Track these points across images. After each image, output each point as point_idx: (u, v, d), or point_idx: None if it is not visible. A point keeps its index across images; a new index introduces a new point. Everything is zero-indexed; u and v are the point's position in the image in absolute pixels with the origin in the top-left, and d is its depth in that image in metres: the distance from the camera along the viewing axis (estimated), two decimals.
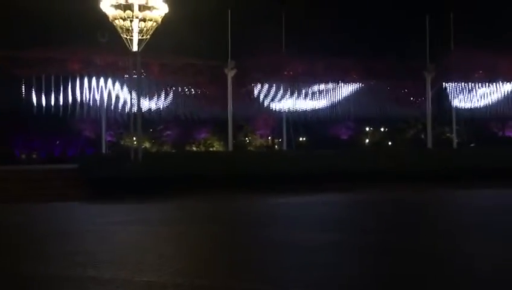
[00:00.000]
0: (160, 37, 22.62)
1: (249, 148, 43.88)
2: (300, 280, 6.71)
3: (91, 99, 28.30)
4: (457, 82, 31.94)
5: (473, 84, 32.43)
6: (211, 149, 43.86)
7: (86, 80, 27.64)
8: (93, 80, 27.68)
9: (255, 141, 43.84)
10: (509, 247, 8.97)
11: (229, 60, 27.87)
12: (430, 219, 13.18)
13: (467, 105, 32.78)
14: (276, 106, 32.04)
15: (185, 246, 9.69)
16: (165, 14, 21.33)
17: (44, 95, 27.24)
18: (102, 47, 25.92)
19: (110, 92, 28.17)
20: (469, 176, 22.44)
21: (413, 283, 6.67)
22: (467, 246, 9.10)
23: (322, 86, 32.14)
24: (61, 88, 27.54)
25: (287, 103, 31.79)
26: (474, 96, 32.79)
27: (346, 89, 32.27)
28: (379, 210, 15.09)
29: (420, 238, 9.93)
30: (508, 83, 32.36)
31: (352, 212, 14.60)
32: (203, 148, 43.84)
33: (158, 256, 8.42)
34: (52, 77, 27.27)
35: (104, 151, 30.75)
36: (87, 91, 27.95)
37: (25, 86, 26.72)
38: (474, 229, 11.16)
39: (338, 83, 32.10)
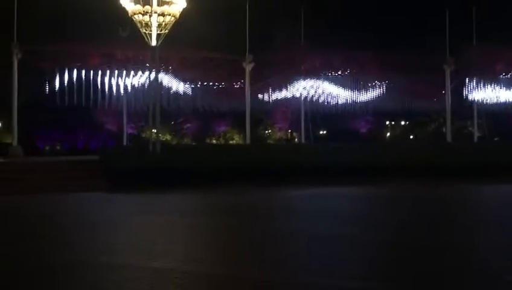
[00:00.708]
0: (179, 31, 22.95)
1: (268, 141, 44.13)
2: (308, 269, 6.95)
3: (113, 93, 28.93)
4: (478, 76, 31.56)
5: (494, 78, 32.01)
6: (231, 142, 44.28)
7: (107, 74, 28.25)
8: (115, 73, 28.28)
9: (274, 134, 44.07)
10: None
11: (247, 53, 28.11)
12: (441, 214, 13.20)
13: (488, 99, 32.39)
14: (294, 99, 32.19)
15: (197, 236, 10.02)
16: (184, 8, 21.63)
17: (67, 89, 27.93)
18: (123, 41, 26.43)
19: (131, 85, 28.75)
20: (489, 171, 22.22)
21: (417, 276, 6.83)
22: (477, 242, 9.21)
23: (341, 80, 32.15)
24: (84, 82, 28.21)
25: (305, 96, 31.91)
26: (496, 90, 32.36)
27: (364, 83, 32.20)
28: (393, 205, 15.17)
29: (431, 234, 10.04)
30: None
31: (366, 206, 14.72)
32: (222, 141, 44.28)
33: (170, 245, 8.77)
34: (75, 71, 27.94)
35: (125, 143, 31.41)
36: (109, 84, 28.58)
37: (48, 79, 27.42)
38: (486, 226, 11.20)
39: (357, 76, 32.05)
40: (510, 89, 32.30)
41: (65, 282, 6.42)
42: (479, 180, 20.26)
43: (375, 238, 9.34)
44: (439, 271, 6.89)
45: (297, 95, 31.78)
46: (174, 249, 8.35)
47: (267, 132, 45.32)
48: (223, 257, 8.03)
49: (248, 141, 30.30)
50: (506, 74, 32.10)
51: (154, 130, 24.28)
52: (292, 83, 31.25)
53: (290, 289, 6.09)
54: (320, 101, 32.21)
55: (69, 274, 6.79)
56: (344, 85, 32.24)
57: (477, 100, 32.38)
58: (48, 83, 27.51)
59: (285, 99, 32.41)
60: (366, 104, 32.85)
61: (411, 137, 49.61)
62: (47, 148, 40.91)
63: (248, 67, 28.34)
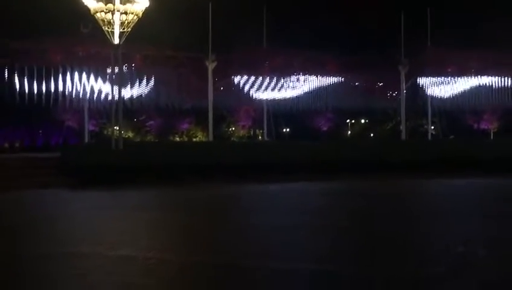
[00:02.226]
0: (142, 30, 23.13)
1: (231, 138, 44.60)
2: (262, 254, 7.56)
3: (74, 90, 28.79)
4: (432, 76, 33.05)
5: (447, 78, 33.56)
6: (194, 139, 44.49)
7: (68, 71, 28.11)
8: (76, 70, 28.16)
9: (237, 131, 44.56)
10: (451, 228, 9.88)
11: (210, 52, 28.53)
12: (390, 205, 14.10)
13: (442, 98, 33.95)
14: (256, 97, 32.86)
15: (158, 228, 10.50)
16: (147, 7, 21.85)
17: (27, 85, 27.64)
18: (84, 38, 26.36)
19: (92, 82, 28.70)
20: (438, 167, 23.45)
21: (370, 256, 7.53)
22: (420, 229, 10.08)
23: (302, 79, 33.05)
24: (44, 78, 27.97)
25: (268, 95, 32.63)
26: (449, 90, 33.94)
27: (325, 82, 33.21)
28: (344, 198, 16.09)
29: (380, 223, 10.84)
30: (482, 77, 33.52)
31: (319, 200, 15.47)
32: (186, 139, 44.44)
33: (132, 236, 9.22)
34: (35, 67, 27.67)
35: (86, 140, 31.27)
36: (70, 81, 28.44)
37: (7, 75, 27.06)
38: (428, 215, 12.13)
39: (317, 76, 33.02)
40: (462, 89, 33.94)
41: (32, 272, 6.77)
42: (427, 175, 21.45)
43: (325, 227, 10.08)
44: (390, 251, 7.63)
45: (260, 93, 32.48)
46: (135, 239, 8.80)
47: (230, 129, 45.78)
48: (183, 245, 8.56)
49: (211, 138, 30.74)
50: (458, 75, 33.71)
51: (117, 127, 24.40)
52: (255, 82, 31.92)
53: (243, 271, 6.65)
54: (282, 99, 33.03)
55: (35, 265, 7.15)
56: (305, 84, 33.16)
57: (431, 99, 33.92)
58: (7, 80, 27.16)
59: (248, 98, 33.07)
60: (326, 103, 33.90)
61: (371, 135, 51.14)
62: (6, 145, 40.06)
63: (211, 66, 28.77)
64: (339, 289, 5.91)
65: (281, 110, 34.05)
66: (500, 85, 33.23)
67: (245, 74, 31.72)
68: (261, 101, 33.05)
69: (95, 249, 7.83)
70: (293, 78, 32.92)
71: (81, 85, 28.70)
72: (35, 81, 27.84)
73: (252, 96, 32.81)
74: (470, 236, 8.87)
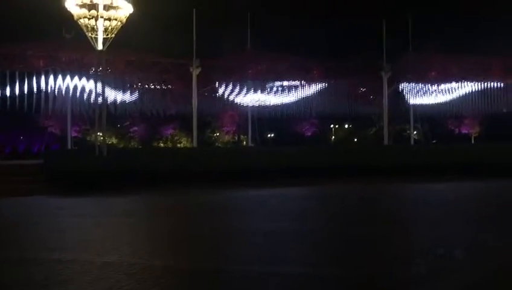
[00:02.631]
0: (126, 36, 23.11)
1: (216, 144, 44.61)
2: (246, 257, 7.64)
3: (56, 96, 28.59)
4: (414, 82, 33.57)
5: (429, 84, 34.11)
6: (179, 145, 44.39)
7: (51, 76, 27.90)
8: (59, 76, 27.96)
9: (222, 137, 44.57)
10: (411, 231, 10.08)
11: (194, 58, 28.60)
12: (361, 209, 14.32)
13: (424, 103, 34.49)
14: (241, 103, 33.00)
15: (143, 234, 10.51)
16: (131, 13, 21.84)
17: (9, 91, 27.36)
18: (67, 44, 26.23)
19: (75, 88, 28.52)
20: (421, 171, 23.82)
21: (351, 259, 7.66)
22: (400, 231, 10.26)
23: (286, 84, 33.29)
24: (26, 84, 27.72)
25: (252, 101, 32.79)
26: (431, 96, 34.50)
27: (309, 87, 33.49)
28: (327, 202, 16.31)
29: (351, 226, 11.00)
30: (463, 83, 34.14)
31: (302, 204, 15.61)
32: (170, 144, 44.31)
33: (117, 242, 9.21)
34: (17, 73, 27.42)
35: (69, 147, 31.04)
36: (53, 87, 28.22)
37: None
38: (407, 220, 12.33)
39: (301, 82, 33.29)
40: (444, 94, 34.52)
41: (17, 277, 6.75)
42: (408, 180, 21.77)
43: (309, 232, 10.21)
44: (370, 253, 7.76)
45: (244, 99, 32.63)
46: (120, 245, 8.79)
47: (214, 135, 45.78)
48: (167, 251, 8.59)
49: (195, 144, 30.75)
50: (439, 80, 34.28)
51: (100, 134, 24.27)
52: (239, 87, 32.05)
53: (226, 276, 6.71)
54: (266, 105, 33.22)
55: (19, 270, 7.12)
56: (289, 89, 33.41)
57: (413, 105, 34.43)
58: None
59: (232, 103, 33.19)
60: (310, 108, 34.18)
61: (355, 140, 51.61)
62: None
63: (195, 72, 28.83)
64: None
65: (265, 116, 34.24)
66: (480, 90, 33.86)
67: (229, 80, 31.85)
68: (245, 106, 33.20)
69: (80, 256, 7.82)
70: (277, 83, 33.14)
71: (64, 91, 28.50)
72: (17, 87, 27.57)
73: (236, 101, 32.94)
74: (450, 239, 9.04)
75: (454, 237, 9.19)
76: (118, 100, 29.56)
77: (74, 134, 35.08)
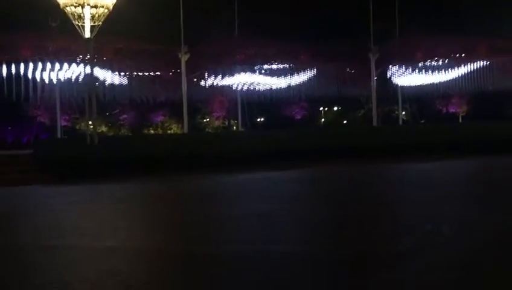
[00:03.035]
0: (114, 23, 22.99)
1: (206, 129, 44.73)
2: (238, 239, 7.89)
3: (45, 85, 28.44)
4: (401, 63, 33.81)
5: (416, 64, 34.37)
6: (169, 132, 44.45)
7: (39, 66, 27.71)
8: (46, 65, 27.78)
9: (212, 122, 44.68)
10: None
11: (182, 44, 28.52)
12: (351, 190, 14.65)
13: (412, 84, 34.80)
14: (230, 87, 33.06)
15: (137, 220, 10.73)
16: (117, 0, 21.72)
17: None
18: (54, 32, 26.02)
19: (64, 77, 28.38)
20: (410, 151, 24.20)
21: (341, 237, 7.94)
22: (387, 211, 10.58)
23: (274, 69, 33.37)
24: (13, 74, 27.51)
25: (241, 85, 32.87)
26: (418, 76, 34.79)
27: (297, 71, 33.61)
28: (317, 185, 16.69)
29: (340, 206, 11.31)
30: (450, 62, 34.44)
31: (291, 187, 15.89)
32: (160, 131, 44.36)
33: (113, 227, 9.42)
34: (4, 63, 27.18)
35: (59, 136, 30.98)
36: (40, 77, 28.05)
37: None
38: (396, 200, 12.66)
39: (290, 66, 33.39)
40: (431, 74, 34.82)
41: (17, 263, 6.93)
42: (397, 160, 22.16)
43: (300, 213, 10.50)
44: (358, 232, 8.05)
45: (233, 84, 32.69)
46: (116, 231, 9.00)
47: (204, 120, 45.87)
48: (163, 235, 8.83)
49: (186, 130, 30.84)
50: (426, 61, 34.54)
51: (90, 122, 24.27)
52: (228, 72, 32.08)
53: (219, 257, 6.96)
54: (255, 89, 33.33)
55: (19, 256, 7.30)
56: (278, 74, 33.51)
57: (401, 86, 34.74)
58: None
59: (222, 88, 33.25)
60: (299, 91, 34.35)
61: (344, 122, 51.99)
62: None
63: (184, 58, 28.78)
64: (310, 268, 6.25)
65: (255, 100, 34.35)
66: (467, 69, 34.19)
67: (218, 65, 31.85)
68: (234, 91, 33.28)
69: (79, 241, 8.03)
70: (266, 67, 33.21)
71: (52, 80, 28.36)
72: (4, 77, 27.38)
73: (226, 86, 33.00)
74: (437, 216, 9.36)
75: (441, 215, 9.50)
76: (107, 88, 29.46)
77: (64, 123, 34.98)
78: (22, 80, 27.69)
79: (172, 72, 30.79)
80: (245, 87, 33.01)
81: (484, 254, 6.62)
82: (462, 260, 6.29)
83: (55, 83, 28.36)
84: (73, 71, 28.06)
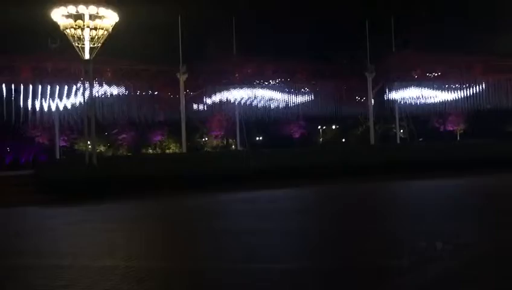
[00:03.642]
0: (113, 44, 23.28)
1: (205, 148, 44.83)
2: (236, 256, 7.95)
3: (44, 106, 28.64)
4: (398, 81, 34.10)
5: (412, 82, 34.67)
6: (167, 151, 44.53)
7: (38, 87, 27.95)
8: (46, 86, 28.02)
9: (211, 141, 44.81)
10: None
11: (181, 64, 28.82)
12: (349, 206, 14.72)
13: (409, 102, 35.06)
14: (228, 107, 33.29)
15: (135, 238, 10.77)
16: (116, 22, 22.03)
17: None
18: (54, 54, 26.31)
19: (62, 98, 28.60)
20: (407, 169, 24.29)
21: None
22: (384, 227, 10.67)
23: (273, 88, 33.65)
24: (13, 95, 27.74)
25: (239, 104, 33.10)
26: (415, 94, 35.07)
27: (295, 90, 33.88)
28: (308, 202, 16.64)
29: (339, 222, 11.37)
30: (446, 80, 34.76)
31: (284, 205, 15.93)
32: (159, 151, 44.44)
33: (112, 247, 9.46)
34: (4, 84, 27.42)
35: (58, 156, 31.06)
36: (40, 98, 28.27)
37: None
38: (388, 214, 12.73)
39: (287, 85, 33.68)
40: (428, 92, 35.11)
41: (15, 282, 6.97)
42: (390, 177, 22.23)
43: (296, 229, 10.56)
44: (355, 246, 8.12)
45: (232, 103, 32.92)
46: (115, 250, 9.05)
47: (203, 139, 46.00)
48: (161, 253, 8.88)
49: (184, 149, 30.95)
50: (423, 79, 34.86)
51: (89, 142, 24.39)
52: (226, 91, 32.34)
53: (217, 274, 7.01)
54: (254, 108, 33.56)
55: (17, 276, 7.34)
56: (276, 93, 33.78)
57: (398, 104, 35.01)
58: None
59: (220, 107, 33.49)
60: (298, 110, 34.59)
61: (343, 140, 52.16)
62: None
63: (182, 78, 29.05)
64: (312, 284, 6.31)
65: (253, 119, 34.56)
66: (464, 88, 34.48)
67: (216, 84, 32.13)
68: (233, 110, 33.50)
69: (77, 261, 8.07)
70: (264, 86, 33.48)
71: (51, 101, 28.57)
72: (3, 99, 27.59)
73: (224, 106, 33.23)
74: (433, 233, 9.42)
75: (436, 232, 9.56)
76: (106, 108, 29.67)
77: (62, 143, 35.09)
78: (21, 101, 27.91)
79: (171, 92, 31.06)
80: (243, 107, 33.24)
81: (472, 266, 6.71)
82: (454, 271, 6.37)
83: (54, 104, 28.57)
84: (72, 92, 28.30)
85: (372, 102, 33.15)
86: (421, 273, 6.45)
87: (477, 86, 34.34)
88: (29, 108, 28.25)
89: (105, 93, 29.18)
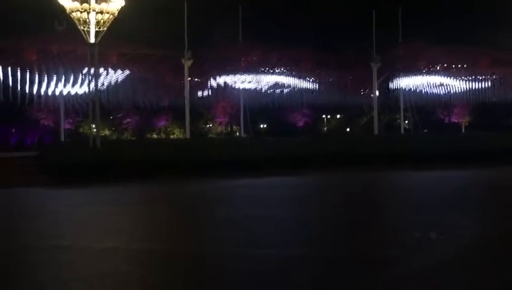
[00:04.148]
0: (119, 28, 23.29)
1: (209, 135, 44.97)
2: (237, 241, 8.09)
3: (49, 89, 28.77)
4: (403, 72, 33.99)
5: (418, 73, 34.56)
6: (172, 136, 44.72)
7: (44, 69, 28.05)
8: (51, 69, 28.11)
9: (215, 128, 44.93)
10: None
11: (186, 50, 28.80)
12: (348, 196, 14.83)
13: (414, 93, 34.99)
14: (233, 94, 33.31)
15: (138, 222, 10.93)
16: (122, 6, 22.02)
17: (2, 84, 27.49)
18: (60, 37, 26.35)
19: (68, 81, 28.71)
20: (409, 160, 24.31)
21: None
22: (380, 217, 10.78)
23: (277, 76, 33.62)
24: (19, 77, 27.85)
25: (244, 91, 33.11)
26: (420, 85, 34.99)
27: (300, 78, 33.84)
28: (310, 190, 16.81)
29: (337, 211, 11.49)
30: (452, 72, 34.65)
31: (284, 193, 16.04)
32: (163, 136, 44.63)
33: (114, 229, 9.62)
34: (10, 66, 27.52)
35: (62, 139, 31.26)
36: (45, 80, 28.39)
37: None
38: (386, 204, 12.83)
39: (292, 73, 33.63)
40: (433, 84, 35.01)
41: (17, 262, 7.13)
42: (393, 168, 22.26)
43: (296, 217, 10.70)
44: (352, 236, 8.24)
45: (236, 90, 32.94)
46: (117, 232, 9.20)
47: (207, 126, 46.13)
48: (163, 236, 9.03)
49: (188, 135, 31.06)
50: (428, 70, 34.74)
51: (93, 125, 24.52)
52: (231, 78, 32.34)
53: (218, 258, 7.14)
54: (258, 95, 33.56)
55: (20, 256, 7.50)
56: (281, 80, 33.76)
57: (403, 94, 34.93)
58: None
59: (225, 94, 33.52)
60: (302, 98, 34.57)
61: (347, 130, 52.16)
62: None
63: (187, 64, 29.05)
64: (310, 269, 6.44)
65: (258, 107, 34.57)
66: (470, 80, 34.37)
67: (221, 71, 32.12)
68: (237, 97, 33.52)
69: (79, 242, 8.23)
70: (269, 74, 33.44)
71: (56, 83, 28.68)
72: (9, 80, 27.71)
73: (229, 92, 33.25)
74: (430, 223, 9.52)
75: (434, 222, 9.66)
76: (111, 92, 29.77)
77: (67, 126, 35.27)
78: (27, 83, 28.03)
79: (175, 77, 31.08)
80: (248, 94, 33.25)
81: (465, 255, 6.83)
82: (447, 261, 6.48)
83: (59, 87, 28.68)
84: (78, 76, 28.39)
85: (377, 92, 33.07)
86: (412, 263, 6.56)
87: (483, 79, 34.22)
88: (35, 91, 28.38)
89: (110, 77, 29.25)
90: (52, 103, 30.31)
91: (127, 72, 29.68)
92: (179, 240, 8.62)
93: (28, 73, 27.74)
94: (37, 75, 27.98)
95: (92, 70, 23.24)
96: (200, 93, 33.46)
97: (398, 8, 32.54)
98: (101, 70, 27.14)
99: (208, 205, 13.30)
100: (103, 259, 7.08)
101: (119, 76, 29.64)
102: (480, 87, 34.41)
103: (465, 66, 34.09)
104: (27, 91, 28.26)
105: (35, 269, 6.63)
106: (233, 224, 9.99)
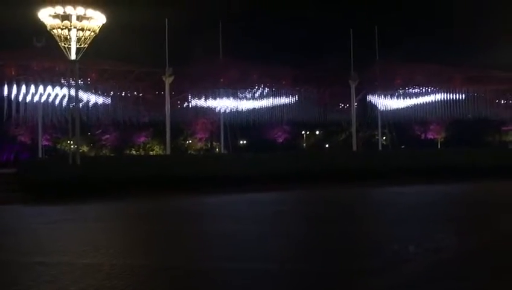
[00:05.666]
0: (100, 45, 23.36)
1: (189, 151, 44.92)
2: (214, 255, 8.21)
3: (27, 105, 28.54)
4: (380, 89, 34.73)
5: (395, 91, 35.35)
6: (151, 153, 44.54)
7: (22, 85, 27.85)
8: (30, 84, 27.93)
9: (195, 144, 44.94)
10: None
11: (167, 66, 28.97)
12: (326, 211, 15.07)
13: (391, 110, 35.71)
14: (213, 110, 33.52)
15: (118, 238, 10.97)
16: (104, 23, 22.11)
17: None
18: (40, 53, 26.26)
19: (47, 97, 28.54)
20: (387, 175, 24.75)
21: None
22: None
23: (257, 92, 33.99)
24: None
25: (224, 108, 33.35)
26: (397, 102, 35.76)
27: (279, 95, 34.28)
28: (289, 206, 17.08)
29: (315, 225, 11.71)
30: (428, 89, 35.52)
31: (262, 208, 16.21)
32: (143, 152, 44.41)
33: (95, 245, 9.61)
34: None
35: (40, 155, 30.91)
36: (23, 96, 28.17)
37: None
38: (364, 218, 13.10)
39: (272, 89, 34.06)
40: (410, 101, 35.81)
41: (4, 278, 7.12)
42: (370, 184, 22.59)
43: (276, 232, 10.85)
44: (333, 249, 8.42)
45: (217, 106, 33.16)
46: (98, 248, 9.22)
47: (187, 142, 46.11)
48: (143, 252, 9.09)
49: (168, 151, 31.05)
50: (405, 87, 35.56)
51: (72, 142, 24.36)
52: (211, 94, 32.57)
53: (202, 273, 7.26)
54: (238, 112, 33.83)
55: (6, 272, 7.49)
56: (261, 97, 34.12)
57: (381, 111, 35.63)
58: None
59: (205, 111, 33.71)
60: (282, 115, 34.97)
61: (326, 146, 52.73)
62: None
63: (168, 80, 29.19)
64: (291, 283, 6.59)
65: (238, 123, 34.82)
66: (445, 97, 35.27)
67: (202, 87, 32.34)
68: (217, 113, 33.74)
69: (61, 259, 8.23)
70: (249, 90, 33.79)
71: (35, 100, 28.48)
72: None
73: (209, 109, 33.45)
74: (407, 237, 9.79)
75: (411, 236, 9.94)
76: (91, 108, 29.69)
77: (45, 142, 34.92)
78: (4, 98, 27.78)
79: (156, 94, 31.18)
80: (228, 110, 33.50)
81: (446, 272, 7.08)
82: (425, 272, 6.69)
83: (37, 102, 28.48)
84: (57, 91, 28.26)
85: (355, 109, 33.68)
86: (392, 275, 6.78)
87: (458, 96, 35.17)
88: (13, 106, 28.13)
89: (90, 93, 29.20)
90: (30, 119, 30.04)
91: (108, 88, 29.67)
92: (158, 255, 8.71)
93: (5, 88, 27.49)
94: (15, 91, 27.74)
95: (72, 87, 23.18)
96: (180, 110, 33.58)
97: (375, 26, 33.37)
98: (81, 86, 27.06)
99: (187, 221, 13.38)
100: (86, 275, 7.12)
101: (99, 92, 29.59)
102: (455, 104, 35.33)
103: (440, 83, 35.00)
104: (5, 107, 27.99)
105: (21, 286, 6.63)
106: (212, 239, 10.10)
